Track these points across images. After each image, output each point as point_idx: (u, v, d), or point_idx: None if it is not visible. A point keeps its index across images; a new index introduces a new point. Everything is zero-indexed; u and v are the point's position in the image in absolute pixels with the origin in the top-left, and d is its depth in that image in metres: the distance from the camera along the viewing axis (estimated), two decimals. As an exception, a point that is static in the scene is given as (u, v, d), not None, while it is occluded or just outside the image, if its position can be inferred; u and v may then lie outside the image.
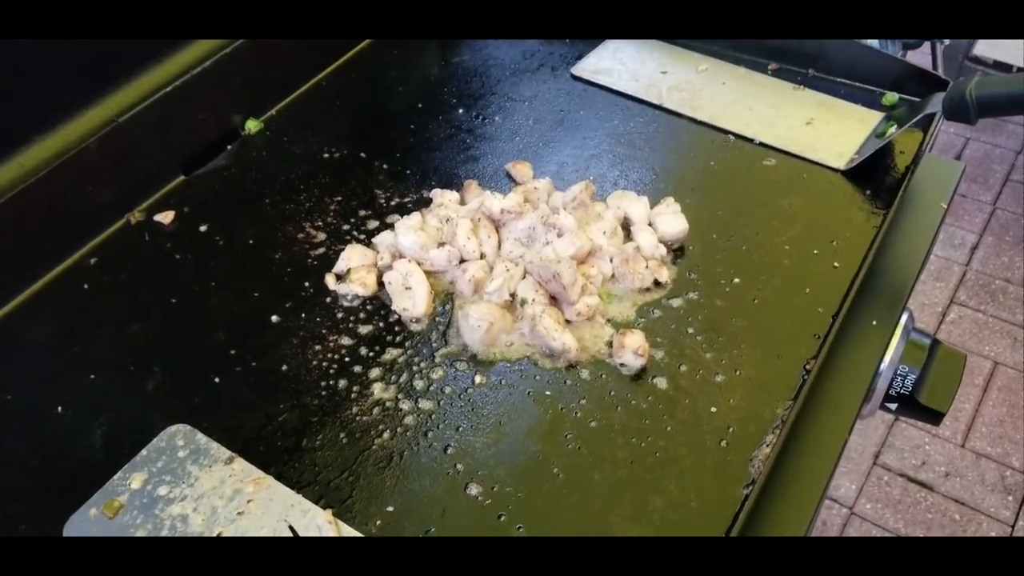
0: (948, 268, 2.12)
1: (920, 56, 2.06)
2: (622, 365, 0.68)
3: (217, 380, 0.67)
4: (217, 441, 0.62)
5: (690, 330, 0.70)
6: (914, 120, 0.80)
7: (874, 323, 0.74)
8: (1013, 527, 1.65)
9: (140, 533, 0.58)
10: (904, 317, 0.77)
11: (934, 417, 0.78)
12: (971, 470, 1.74)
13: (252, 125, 0.91)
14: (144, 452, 0.62)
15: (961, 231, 2.19)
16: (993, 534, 1.65)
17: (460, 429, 0.64)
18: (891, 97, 0.88)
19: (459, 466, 0.62)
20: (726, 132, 0.87)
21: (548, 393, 0.66)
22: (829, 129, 0.86)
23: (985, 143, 2.41)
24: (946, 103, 0.76)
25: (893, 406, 0.78)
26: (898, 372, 0.77)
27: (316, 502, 0.59)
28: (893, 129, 0.81)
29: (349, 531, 0.57)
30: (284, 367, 0.68)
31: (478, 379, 0.67)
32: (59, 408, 0.66)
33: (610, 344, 0.69)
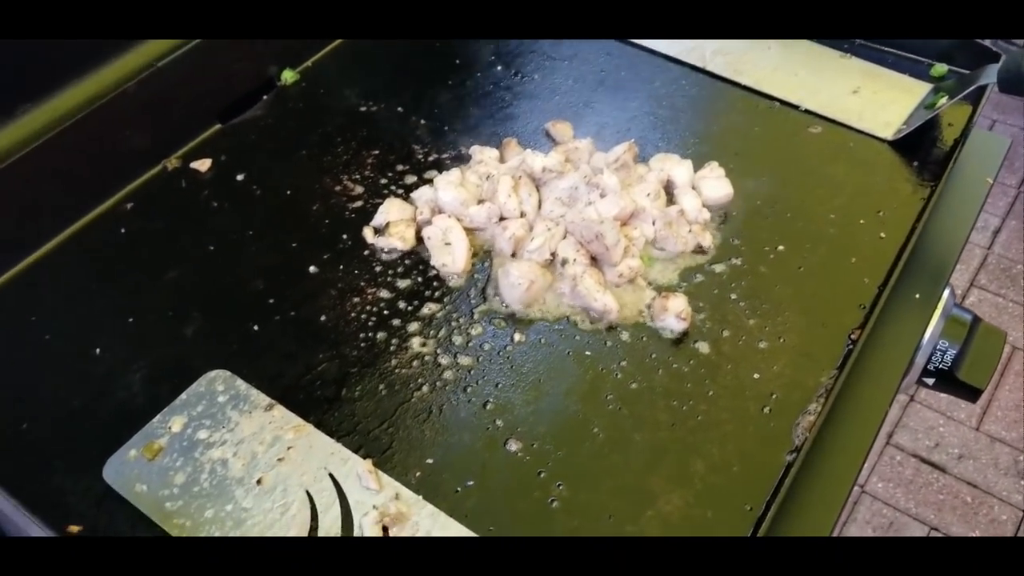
0: (969, 251, 2.10)
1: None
2: (664, 328, 0.67)
3: (256, 328, 0.67)
4: (256, 388, 0.62)
5: (733, 296, 0.69)
6: (967, 91, 0.78)
7: (917, 296, 0.73)
8: (1024, 511, 1.66)
9: (179, 476, 0.58)
10: (946, 292, 0.76)
11: (971, 393, 0.78)
12: (985, 453, 1.75)
13: (288, 76, 0.89)
14: (184, 396, 0.62)
15: (984, 214, 2.17)
16: (1004, 518, 1.65)
17: (499, 386, 0.63)
18: (940, 68, 0.86)
19: (499, 422, 0.61)
20: (771, 98, 0.85)
21: (588, 353, 0.66)
22: (876, 98, 0.84)
23: (1012, 126, 2.37)
24: (1002, 74, 0.74)
25: (930, 381, 0.78)
26: (938, 347, 0.76)
27: (356, 451, 0.59)
28: (944, 100, 0.80)
29: (389, 481, 0.57)
30: (323, 318, 0.68)
31: (517, 337, 0.67)
32: (97, 350, 0.65)
33: (651, 307, 0.68)
